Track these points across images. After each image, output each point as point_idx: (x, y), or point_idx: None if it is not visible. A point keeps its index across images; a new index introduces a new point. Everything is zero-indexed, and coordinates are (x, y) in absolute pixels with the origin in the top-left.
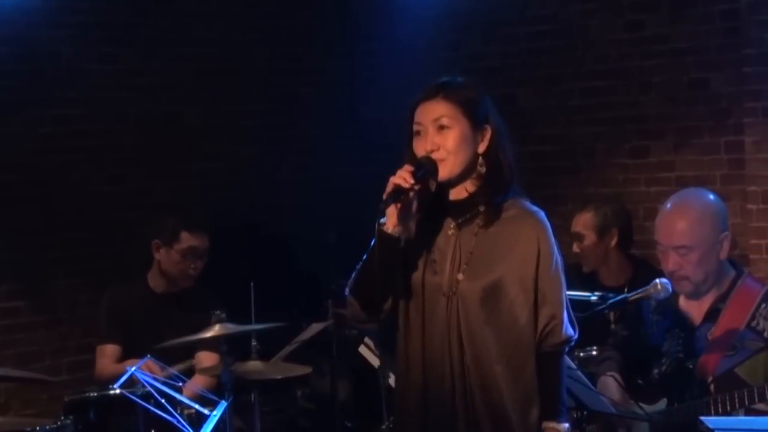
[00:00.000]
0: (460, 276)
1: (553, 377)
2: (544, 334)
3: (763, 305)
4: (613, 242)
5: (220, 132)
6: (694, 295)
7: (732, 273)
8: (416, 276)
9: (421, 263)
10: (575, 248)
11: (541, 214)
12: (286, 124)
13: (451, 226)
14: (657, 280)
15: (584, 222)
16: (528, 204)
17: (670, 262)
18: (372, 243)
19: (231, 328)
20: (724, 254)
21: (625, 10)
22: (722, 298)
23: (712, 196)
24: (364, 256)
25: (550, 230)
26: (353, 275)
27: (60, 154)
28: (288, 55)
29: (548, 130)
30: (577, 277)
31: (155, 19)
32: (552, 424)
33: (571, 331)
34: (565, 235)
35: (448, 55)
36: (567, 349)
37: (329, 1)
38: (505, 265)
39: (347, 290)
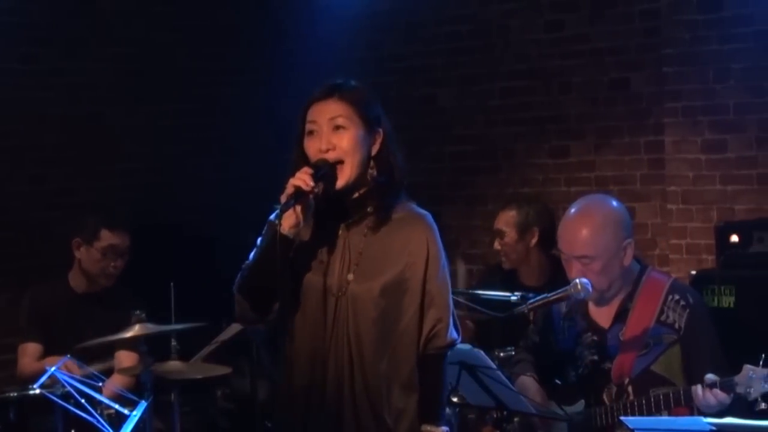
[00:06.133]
0: (350, 276)
1: (435, 380)
2: (429, 337)
3: (670, 297)
4: (534, 241)
5: (141, 132)
6: (600, 301)
7: (637, 269)
8: (305, 277)
9: (310, 264)
10: (496, 245)
11: (429, 217)
12: (207, 124)
13: (340, 227)
14: (577, 280)
15: (506, 219)
16: (415, 207)
17: (574, 270)
18: (260, 242)
19: (151, 327)
20: (627, 260)
21: (545, 10)
22: (629, 297)
23: (614, 203)
24: (252, 255)
25: (437, 233)
26: (241, 274)
27: None
28: (209, 55)
29: (468, 130)
30: (497, 275)
31: (76, 19)
32: (430, 428)
33: (455, 334)
34: (485, 234)
35: (368, 55)
36: (449, 352)
37: (250, 1)
38: (395, 267)
39: (235, 289)
